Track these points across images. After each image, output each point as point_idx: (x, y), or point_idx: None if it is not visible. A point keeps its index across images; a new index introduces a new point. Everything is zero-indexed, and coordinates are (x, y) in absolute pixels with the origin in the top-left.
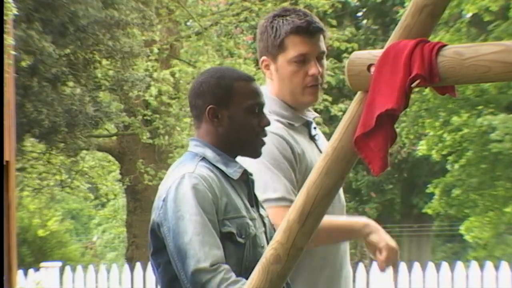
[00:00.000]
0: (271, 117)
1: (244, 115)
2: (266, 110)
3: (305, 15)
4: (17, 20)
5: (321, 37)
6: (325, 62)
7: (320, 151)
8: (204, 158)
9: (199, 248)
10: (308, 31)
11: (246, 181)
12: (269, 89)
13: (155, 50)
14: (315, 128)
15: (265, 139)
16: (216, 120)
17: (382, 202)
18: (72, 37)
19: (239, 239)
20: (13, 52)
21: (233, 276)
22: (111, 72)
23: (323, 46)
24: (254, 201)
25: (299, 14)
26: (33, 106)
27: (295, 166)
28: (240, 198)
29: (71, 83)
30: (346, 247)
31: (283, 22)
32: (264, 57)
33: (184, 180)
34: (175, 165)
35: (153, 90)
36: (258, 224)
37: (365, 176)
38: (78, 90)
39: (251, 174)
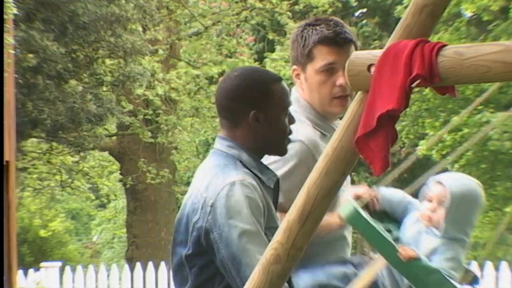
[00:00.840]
0: (307, 125)
1: (280, 117)
2: (302, 116)
3: (336, 25)
4: (18, 20)
5: (351, 47)
6: None
7: None
8: (241, 162)
9: (255, 257)
10: (335, 41)
11: (275, 189)
12: (300, 96)
13: (160, 51)
14: None
15: (294, 147)
16: (258, 123)
17: None
18: (74, 35)
19: None
20: (13, 51)
21: None
22: (113, 68)
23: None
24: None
25: (329, 24)
26: (35, 105)
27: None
28: (272, 206)
29: (73, 81)
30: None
31: (312, 32)
32: (294, 66)
33: (235, 187)
34: (213, 166)
35: (159, 90)
36: None
37: (368, 177)
38: (80, 88)
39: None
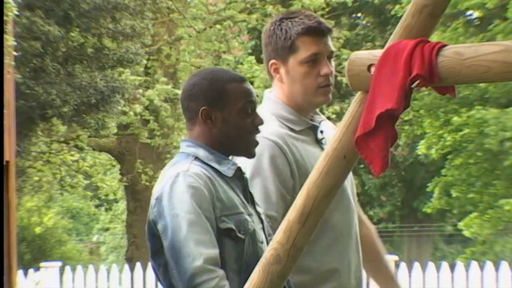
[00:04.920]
0: (273, 121)
1: (238, 116)
2: (269, 113)
3: (313, 16)
4: (20, 9)
5: (329, 37)
6: (333, 62)
7: None
8: (197, 158)
9: (194, 246)
10: (320, 31)
11: (240, 178)
12: (275, 92)
13: (164, 50)
14: (322, 132)
15: (260, 145)
16: (210, 121)
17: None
18: (75, 23)
19: (239, 235)
20: (15, 53)
21: (226, 286)
22: (111, 51)
23: (331, 46)
24: (249, 198)
25: (307, 15)
26: (43, 88)
27: (289, 174)
28: (236, 194)
29: (78, 65)
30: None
31: (292, 23)
32: (273, 61)
33: (178, 178)
34: (169, 165)
35: (152, 93)
36: (256, 220)
37: (371, 179)
38: (83, 71)
39: (244, 173)
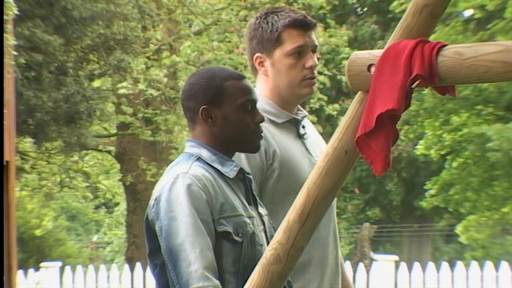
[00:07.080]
0: None
1: (237, 113)
2: None
3: (298, 11)
4: (19, 18)
5: (314, 32)
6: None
7: (308, 150)
8: (199, 158)
9: (190, 250)
10: (305, 24)
11: (243, 179)
12: (258, 86)
13: (166, 53)
14: (304, 127)
15: None
16: (210, 120)
17: (382, 202)
18: (70, 30)
19: (236, 238)
20: (15, 53)
21: None
22: (101, 59)
23: (316, 40)
24: (252, 200)
25: (292, 10)
26: (34, 93)
27: (264, 164)
28: (237, 196)
29: (69, 73)
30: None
31: (278, 17)
32: (258, 54)
33: (177, 180)
34: (171, 165)
35: (152, 90)
36: (257, 222)
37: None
38: (72, 79)
39: (248, 173)
